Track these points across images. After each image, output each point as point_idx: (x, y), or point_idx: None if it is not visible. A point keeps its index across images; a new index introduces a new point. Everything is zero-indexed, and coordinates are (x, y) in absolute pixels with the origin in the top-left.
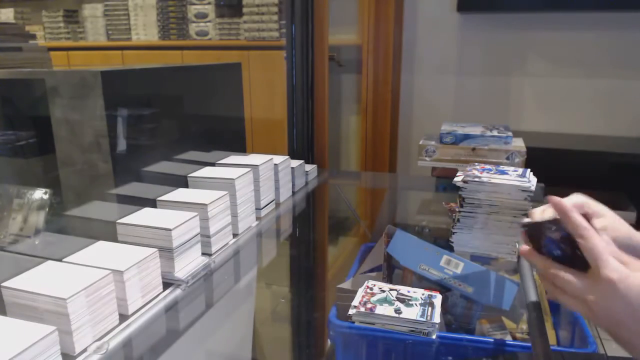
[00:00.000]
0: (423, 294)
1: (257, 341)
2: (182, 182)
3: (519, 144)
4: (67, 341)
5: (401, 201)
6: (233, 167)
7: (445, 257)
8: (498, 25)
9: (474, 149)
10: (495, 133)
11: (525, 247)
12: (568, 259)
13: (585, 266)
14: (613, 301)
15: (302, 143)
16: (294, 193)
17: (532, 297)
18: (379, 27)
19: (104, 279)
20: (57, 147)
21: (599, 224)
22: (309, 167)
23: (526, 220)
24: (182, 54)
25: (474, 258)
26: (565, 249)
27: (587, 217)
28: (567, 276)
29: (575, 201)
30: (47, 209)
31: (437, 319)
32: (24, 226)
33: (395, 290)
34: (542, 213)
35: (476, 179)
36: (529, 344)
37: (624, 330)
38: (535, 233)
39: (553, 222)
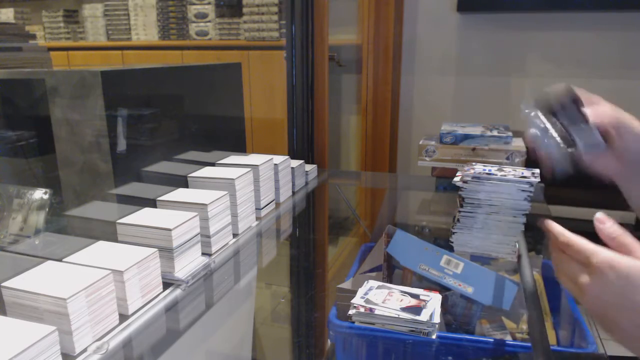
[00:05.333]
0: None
1: (257, 341)
2: (182, 182)
3: (519, 144)
4: (67, 341)
5: (401, 201)
6: (233, 167)
7: (445, 257)
8: (498, 25)
9: (474, 149)
10: (495, 133)
11: (548, 221)
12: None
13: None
14: (602, 288)
15: (302, 143)
16: (294, 193)
17: (532, 296)
18: (379, 27)
19: (104, 279)
20: (57, 147)
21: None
22: (309, 167)
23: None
24: (182, 54)
25: (474, 258)
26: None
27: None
28: (571, 252)
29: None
30: (47, 209)
31: (437, 319)
32: (24, 226)
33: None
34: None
35: (476, 179)
36: (529, 344)
37: (610, 319)
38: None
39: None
